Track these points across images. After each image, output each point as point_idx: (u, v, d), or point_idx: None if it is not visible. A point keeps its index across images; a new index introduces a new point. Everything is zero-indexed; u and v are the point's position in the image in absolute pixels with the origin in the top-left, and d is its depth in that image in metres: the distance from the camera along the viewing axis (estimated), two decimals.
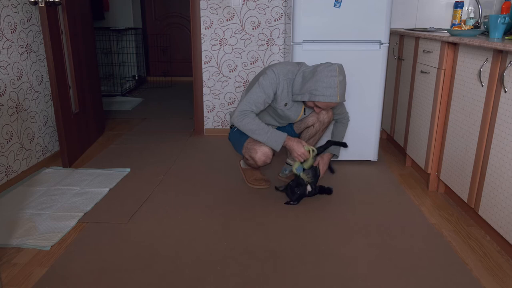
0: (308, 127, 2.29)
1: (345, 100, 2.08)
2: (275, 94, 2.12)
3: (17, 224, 2.00)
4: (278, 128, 2.37)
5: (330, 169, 2.46)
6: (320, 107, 2.09)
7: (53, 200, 2.25)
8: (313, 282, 1.59)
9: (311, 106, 2.13)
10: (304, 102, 2.16)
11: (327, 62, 2.05)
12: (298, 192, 2.17)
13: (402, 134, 2.88)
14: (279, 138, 2.08)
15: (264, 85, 2.09)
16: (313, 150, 2.13)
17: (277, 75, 2.09)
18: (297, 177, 2.19)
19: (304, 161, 2.16)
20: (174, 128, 3.71)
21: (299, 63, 2.18)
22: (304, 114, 2.25)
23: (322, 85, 1.98)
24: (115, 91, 5.20)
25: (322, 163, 2.31)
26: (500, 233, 1.75)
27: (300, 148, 2.09)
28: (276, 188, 2.33)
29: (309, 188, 2.21)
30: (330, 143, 2.30)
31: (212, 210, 2.17)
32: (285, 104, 2.15)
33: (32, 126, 2.67)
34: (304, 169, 2.18)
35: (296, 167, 2.16)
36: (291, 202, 2.21)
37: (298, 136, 2.38)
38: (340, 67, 2.01)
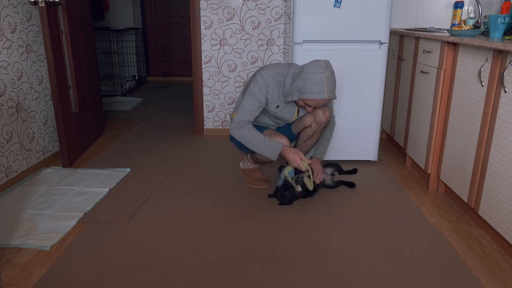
0: (306, 127, 2.29)
1: (335, 97, 2.06)
2: (266, 98, 2.14)
3: (17, 224, 2.00)
4: (277, 129, 2.37)
5: (349, 184, 2.46)
6: (310, 105, 2.09)
7: (53, 200, 2.25)
8: (313, 282, 1.59)
9: (302, 106, 2.13)
10: (296, 103, 2.17)
11: (314, 60, 2.04)
12: (288, 194, 2.18)
13: (402, 134, 2.88)
14: (275, 149, 2.10)
15: (255, 92, 2.11)
16: (308, 169, 2.16)
17: (266, 79, 2.10)
18: (285, 180, 2.20)
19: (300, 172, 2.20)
20: (174, 128, 3.71)
21: (289, 64, 2.19)
22: (298, 115, 2.26)
23: (309, 82, 1.98)
24: (115, 91, 5.20)
25: (315, 170, 2.28)
26: (500, 233, 1.75)
27: (298, 160, 2.10)
28: (269, 196, 2.29)
29: (298, 188, 2.22)
30: (341, 182, 2.44)
31: (212, 210, 2.17)
32: (277, 107, 2.16)
33: (32, 126, 2.67)
34: (295, 174, 2.22)
35: (288, 171, 2.19)
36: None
37: (296, 137, 2.38)
38: (327, 63, 2.00)
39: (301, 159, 2.11)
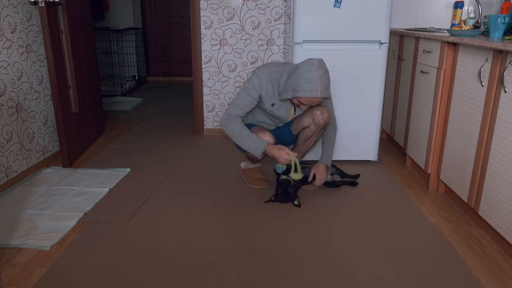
0: (304, 128, 2.29)
1: (329, 96, 2.06)
2: (260, 96, 2.15)
3: (17, 224, 2.00)
4: (277, 128, 2.37)
5: (351, 183, 2.48)
6: (304, 104, 2.09)
7: (53, 200, 2.25)
8: (312, 282, 1.59)
9: (297, 104, 2.13)
10: (291, 101, 2.17)
11: (308, 58, 2.05)
12: (291, 190, 2.18)
13: (402, 134, 2.88)
14: (260, 146, 2.12)
15: (248, 88, 2.14)
16: (295, 162, 2.15)
17: (260, 77, 2.12)
18: (280, 181, 2.21)
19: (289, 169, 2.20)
20: (174, 128, 3.71)
21: (285, 63, 2.19)
22: (295, 113, 2.26)
23: (303, 80, 1.98)
24: (115, 91, 5.20)
25: (318, 173, 2.32)
26: (500, 233, 1.75)
27: (283, 155, 2.11)
28: (267, 202, 2.26)
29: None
30: (343, 182, 2.46)
31: (212, 210, 2.17)
32: (272, 105, 2.17)
33: (32, 126, 2.67)
34: (286, 170, 2.23)
35: (277, 166, 2.22)
36: (295, 203, 2.21)
37: (295, 137, 2.37)
38: (320, 62, 2.00)
39: (287, 153, 2.12)
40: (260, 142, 2.12)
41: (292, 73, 2.06)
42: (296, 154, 2.16)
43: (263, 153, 2.14)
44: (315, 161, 2.40)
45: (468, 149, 2.01)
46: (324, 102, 2.30)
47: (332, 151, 2.38)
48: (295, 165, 2.15)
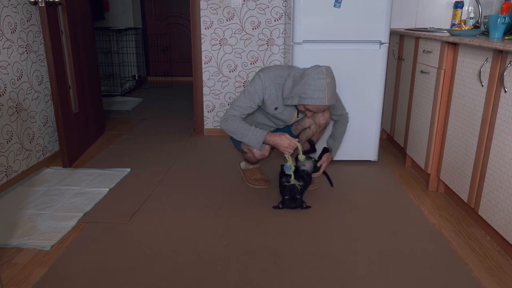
0: (305, 128, 2.29)
1: (335, 103, 2.10)
2: (262, 100, 2.14)
3: (17, 224, 2.00)
4: (276, 130, 2.37)
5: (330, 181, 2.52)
6: (310, 110, 2.09)
7: (53, 200, 2.25)
8: (313, 282, 1.59)
9: (302, 110, 2.13)
10: (296, 106, 2.17)
11: (315, 65, 2.04)
12: (299, 196, 2.16)
13: (402, 134, 2.88)
14: (259, 137, 2.10)
15: (250, 91, 2.13)
16: (298, 146, 2.14)
17: (264, 81, 2.10)
18: (288, 187, 2.17)
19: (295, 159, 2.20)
20: (174, 128, 3.71)
21: (290, 67, 2.18)
22: (298, 117, 2.26)
23: (310, 88, 1.98)
24: (115, 91, 5.20)
25: (327, 161, 2.40)
26: (500, 233, 1.75)
27: (285, 140, 2.09)
28: (275, 207, 2.21)
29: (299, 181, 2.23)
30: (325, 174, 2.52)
31: (212, 210, 2.17)
32: (276, 108, 2.16)
33: (32, 126, 2.67)
34: (295, 166, 2.22)
35: (285, 166, 2.19)
36: (304, 207, 2.20)
37: (296, 137, 2.37)
38: (328, 69, 2.01)
39: (288, 138, 2.11)
40: (260, 132, 2.11)
41: (298, 79, 2.05)
42: (297, 139, 2.15)
43: (264, 142, 2.12)
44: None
45: (468, 149, 2.02)
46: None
47: (341, 141, 2.50)
48: (299, 148, 2.16)
